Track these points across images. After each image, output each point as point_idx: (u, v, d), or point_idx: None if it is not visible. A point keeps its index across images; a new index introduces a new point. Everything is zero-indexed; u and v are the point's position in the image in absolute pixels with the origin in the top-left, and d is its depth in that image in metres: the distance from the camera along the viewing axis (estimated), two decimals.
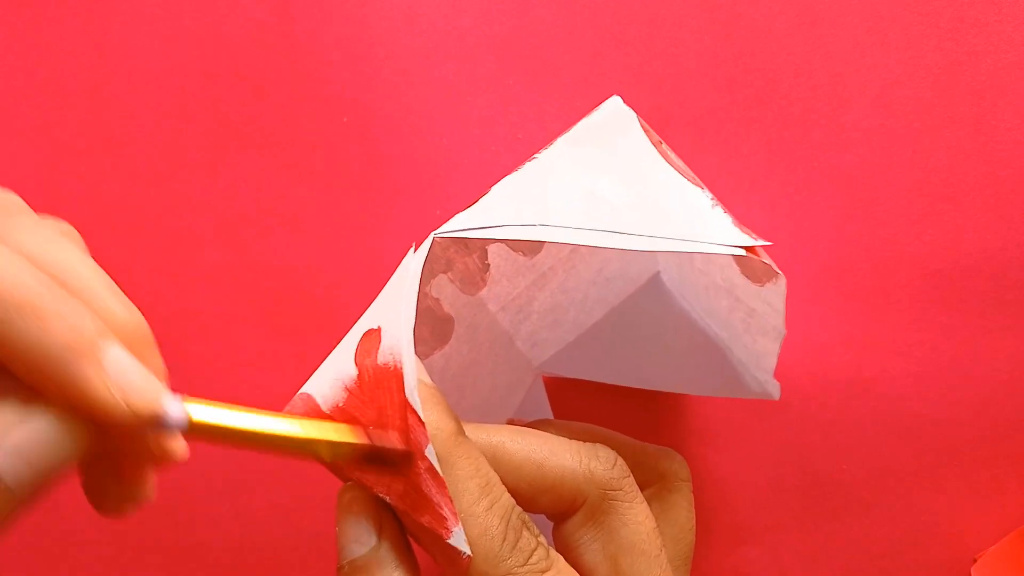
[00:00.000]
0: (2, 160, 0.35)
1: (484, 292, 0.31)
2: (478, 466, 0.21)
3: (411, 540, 0.22)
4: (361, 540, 0.22)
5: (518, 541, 0.21)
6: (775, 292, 0.26)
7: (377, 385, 0.21)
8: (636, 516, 0.23)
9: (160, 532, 0.36)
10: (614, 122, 0.27)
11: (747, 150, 0.34)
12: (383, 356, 0.21)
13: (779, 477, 0.35)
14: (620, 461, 0.24)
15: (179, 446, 0.20)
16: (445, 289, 0.29)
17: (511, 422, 0.29)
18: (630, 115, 0.27)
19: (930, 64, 0.34)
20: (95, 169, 0.35)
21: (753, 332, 0.29)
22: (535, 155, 0.25)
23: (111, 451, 0.19)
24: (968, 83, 0.33)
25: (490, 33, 0.35)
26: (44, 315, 0.16)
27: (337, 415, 0.22)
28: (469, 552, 0.20)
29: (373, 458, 0.21)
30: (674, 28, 0.34)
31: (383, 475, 0.21)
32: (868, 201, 0.34)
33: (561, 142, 0.26)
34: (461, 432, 0.22)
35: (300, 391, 0.23)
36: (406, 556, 0.22)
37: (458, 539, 0.20)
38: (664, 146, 0.27)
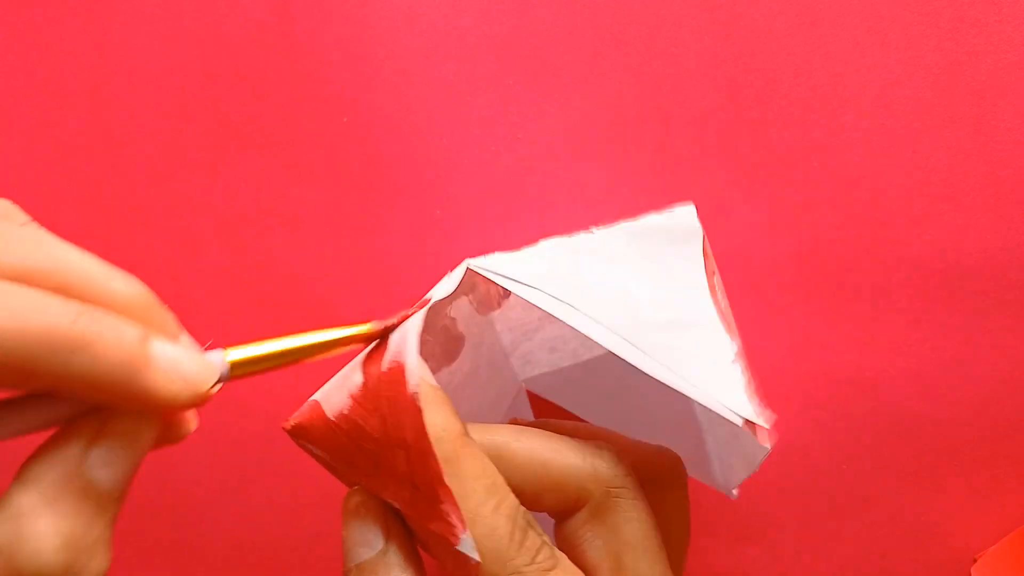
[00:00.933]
0: (2, 160, 0.35)
1: (496, 313, 0.31)
2: (484, 467, 0.22)
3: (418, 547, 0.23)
4: (368, 543, 0.22)
5: (524, 540, 0.21)
6: (761, 450, 0.26)
7: (379, 392, 0.21)
8: (639, 513, 0.24)
9: (160, 532, 0.36)
10: (679, 232, 0.27)
11: (747, 150, 0.34)
12: (387, 362, 0.21)
13: (779, 476, 0.35)
14: (622, 459, 0.24)
15: (215, 388, 0.21)
16: (463, 309, 0.29)
17: (513, 421, 0.29)
18: (697, 232, 0.27)
19: (930, 64, 0.34)
20: (95, 169, 0.35)
21: (731, 450, 0.29)
22: (592, 228, 0.25)
23: None
24: (968, 83, 0.33)
25: (490, 33, 0.35)
26: (92, 344, 0.16)
27: (342, 422, 0.22)
28: (478, 558, 0.20)
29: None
30: (674, 28, 0.34)
31: (391, 482, 0.21)
32: (868, 201, 0.34)
33: (621, 228, 0.26)
34: (466, 433, 0.22)
35: (311, 398, 0.23)
36: (413, 559, 0.22)
37: (466, 546, 0.20)
38: (716, 278, 0.27)
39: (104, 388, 0.17)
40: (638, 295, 0.24)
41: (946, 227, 0.34)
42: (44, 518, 0.16)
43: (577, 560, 0.23)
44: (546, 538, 0.22)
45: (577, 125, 0.35)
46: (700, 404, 0.28)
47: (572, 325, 0.22)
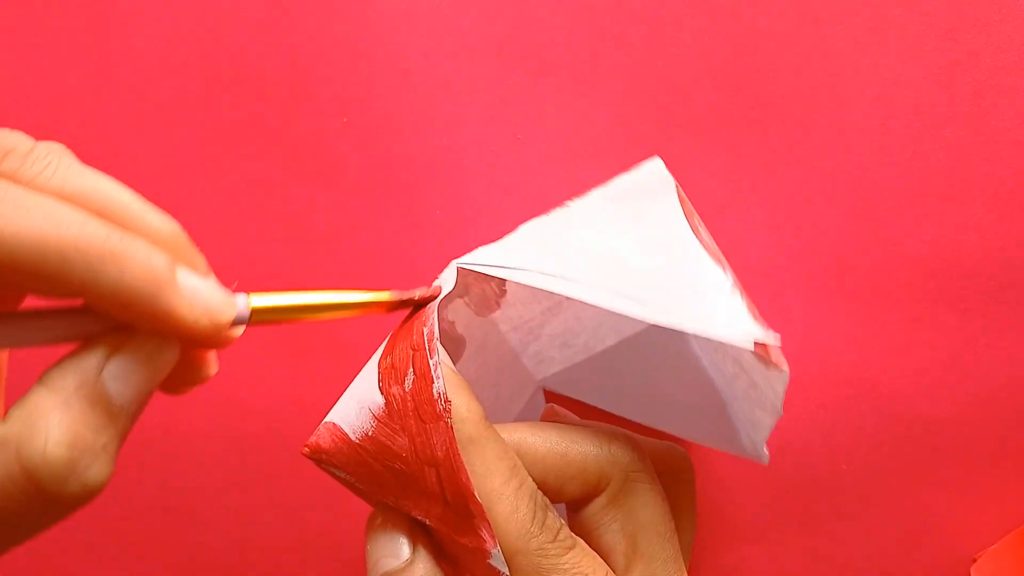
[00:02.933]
0: None
1: (497, 314, 0.31)
2: (505, 449, 0.22)
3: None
4: (395, 554, 0.22)
5: (545, 520, 0.22)
6: (778, 379, 0.26)
7: (405, 411, 0.21)
8: (655, 497, 0.24)
9: (160, 532, 0.36)
10: (651, 185, 0.27)
11: (747, 150, 0.34)
12: (411, 382, 0.22)
13: (779, 477, 0.35)
14: (638, 445, 0.25)
15: (238, 329, 0.22)
16: (460, 312, 0.29)
17: (549, 410, 0.29)
18: (669, 181, 0.27)
19: (930, 64, 0.34)
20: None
21: (752, 403, 0.28)
22: (567, 202, 0.25)
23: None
24: (968, 83, 0.33)
25: (490, 33, 0.35)
26: (122, 259, 0.18)
27: (367, 443, 0.22)
28: (507, 571, 0.21)
29: (402, 307, 0.23)
30: (674, 29, 0.34)
31: (421, 499, 0.22)
32: (868, 201, 0.34)
33: (595, 195, 0.26)
34: (486, 417, 0.22)
35: (325, 420, 0.23)
36: (438, 571, 0.23)
37: (497, 559, 0.21)
38: (696, 219, 0.27)
39: (129, 302, 0.18)
40: (625, 252, 0.24)
41: (946, 227, 0.34)
42: (56, 415, 0.17)
43: (593, 544, 0.24)
44: (562, 521, 0.23)
45: (577, 125, 0.35)
46: (721, 381, 0.27)
47: (567, 295, 0.22)
